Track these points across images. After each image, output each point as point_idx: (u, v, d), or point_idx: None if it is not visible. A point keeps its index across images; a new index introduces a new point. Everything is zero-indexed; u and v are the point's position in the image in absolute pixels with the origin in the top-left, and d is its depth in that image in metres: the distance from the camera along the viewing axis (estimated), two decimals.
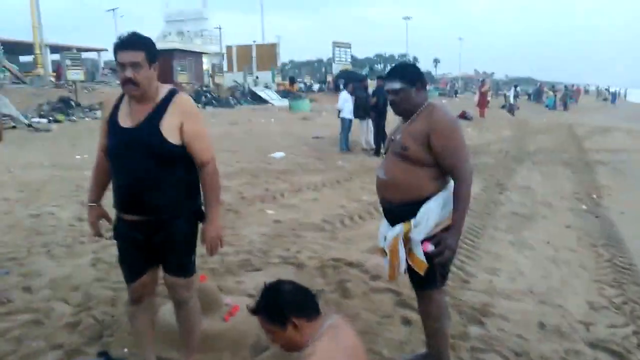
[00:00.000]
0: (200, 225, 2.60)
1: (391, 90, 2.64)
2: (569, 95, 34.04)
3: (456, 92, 48.80)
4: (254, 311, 1.90)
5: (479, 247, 5.13)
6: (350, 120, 12.14)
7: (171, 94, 2.46)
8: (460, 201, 2.46)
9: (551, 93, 35.13)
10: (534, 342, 3.26)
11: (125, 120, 2.44)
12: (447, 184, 2.58)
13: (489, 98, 27.36)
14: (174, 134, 2.39)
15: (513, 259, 4.87)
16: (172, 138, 2.39)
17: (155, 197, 2.44)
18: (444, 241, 2.46)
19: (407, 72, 2.67)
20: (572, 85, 44.16)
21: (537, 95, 39.47)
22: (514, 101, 25.98)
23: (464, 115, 21.55)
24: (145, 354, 2.75)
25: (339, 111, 12.36)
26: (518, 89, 30.14)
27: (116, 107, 2.50)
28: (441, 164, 2.51)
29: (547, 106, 32.40)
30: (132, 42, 2.34)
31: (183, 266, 2.56)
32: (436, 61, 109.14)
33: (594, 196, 7.63)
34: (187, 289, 2.66)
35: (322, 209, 6.82)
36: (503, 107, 30.05)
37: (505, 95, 32.89)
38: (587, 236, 5.63)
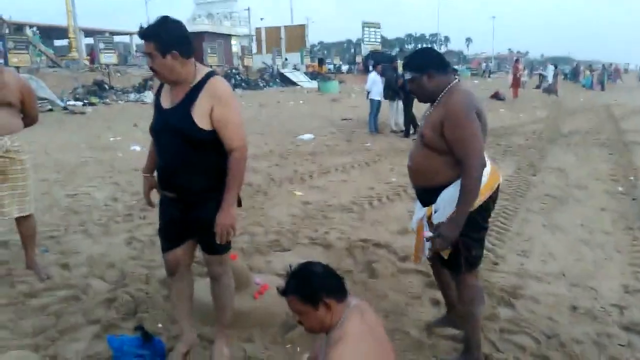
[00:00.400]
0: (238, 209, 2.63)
1: (407, 80, 2.69)
2: (607, 75, 32.82)
3: (490, 72, 47.69)
4: (285, 292, 1.90)
5: (510, 229, 5.06)
6: (379, 102, 12.04)
7: (207, 77, 2.47)
8: (464, 194, 2.39)
9: (588, 72, 33.97)
10: (566, 325, 3.22)
11: (165, 101, 2.51)
12: None
13: (524, 78, 26.60)
14: (204, 118, 2.40)
15: (545, 241, 4.78)
16: (202, 123, 2.40)
17: (186, 179, 2.49)
18: (438, 229, 2.46)
19: (413, 61, 2.66)
20: (611, 65, 42.53)
21: (574, 74, 38.26)
22: (554, 81, 25.07)
23: (497, 96, 21.10)
24: (181, 324, 2.84)
25: (368, 92, 12.26)
26: (557, 68, 29.00)
27: (161, 86, 2.58)
28: (454, 152, 2.47)
29: (584, 86, 31.39)
30: (143, 34, 2.37)
31: (213, 246, 2.61)
32: (468, 40, 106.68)
33: (632, 178, 7.39)
34: (219, 265, 2.72)
35: (350, 191, 6.82)
36: (537, 87, 29.24)
37: (540, 75, 31.96)
38: (623, 218, 5.47)
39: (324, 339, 1.98)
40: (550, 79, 25.43)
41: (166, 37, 2.35)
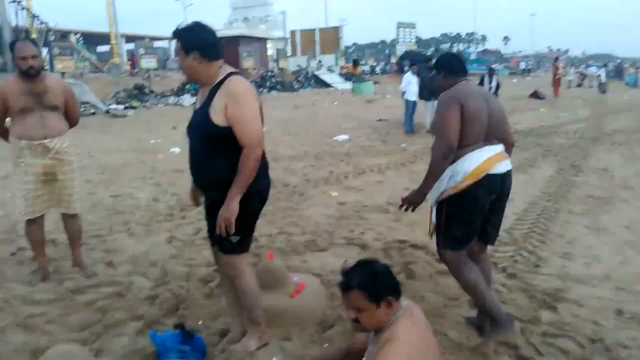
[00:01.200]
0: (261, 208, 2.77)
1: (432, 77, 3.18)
2: None
3: (529, 71, 46.55)
4: (348, 287, 1.86)
5: (552, 231, 4.93)
6: (415, 102, 11.93)
7: (226, 77, 2.57)
8: (427, 171, 2.82)
9: (632, 70, 32.71)
10: (611, 329, 3.11)
11: (198, 103, 2.68)
12: (457, 160, 2.77)
13: (570, 77, 25.88)
14: (219, 115, 2.50)
15: (589, 243, 4.64)
16: (218, 120, 2.50)
17: (207, 176, 2.65)
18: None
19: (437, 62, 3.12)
20: None
21: (617, 72, 36.91)
22: (598, 80, 24.29)
23: (536, 95, 20.59)
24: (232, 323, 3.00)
25: (403, 93, 12.17)
26: (604, 67, 28.16)
27: (197, 90, 2.78)
28: None
29: (627, 84, 30.26)
30: (173, 32, 2.56)
31: (222, 243, 2.66)
32: (506, 39, 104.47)
33: None
34: (228, 267, 2.78)
35: (386, 192, 6.79)
36: (579, 85, 28.44)
37: (581, 74, 31.04)
38: None
39: (370, 335, 1.98)
40: (603, 78, 24.60)
41: (189, 37, 2.53)
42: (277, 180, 7.40)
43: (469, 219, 2.86)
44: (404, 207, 2.97)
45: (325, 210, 5.99)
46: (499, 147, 2.89)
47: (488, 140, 2.85)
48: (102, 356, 2.87)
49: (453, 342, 2.96)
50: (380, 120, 14.54)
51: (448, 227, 2.87)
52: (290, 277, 3.56)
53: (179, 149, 9.74)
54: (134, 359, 2.80)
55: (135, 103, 18.59)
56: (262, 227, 5.28)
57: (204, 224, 5.24)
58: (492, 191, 2.85)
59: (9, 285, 3.64)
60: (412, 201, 2.93)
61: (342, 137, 11.48)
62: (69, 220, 3.88)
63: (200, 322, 3.19)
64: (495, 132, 2.89)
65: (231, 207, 2.50)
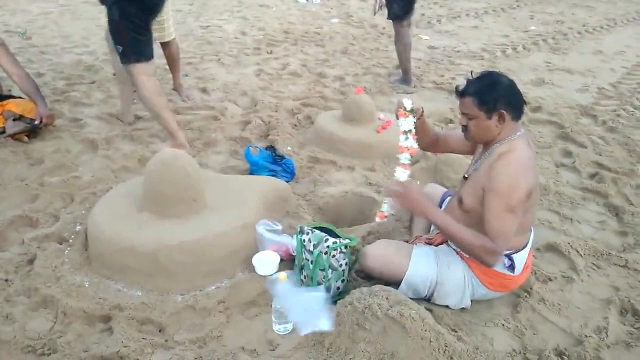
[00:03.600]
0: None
1: None
2: None
3: None
4: (463, 92, 1.83)
5: None
6: None
7: None
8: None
9: None
10: None
11: None
12: None
13: None
14: None
15: None
16: None
17: None
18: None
19: None
20: None
21: None
22: None
23: None
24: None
25: None
26: None
27: None
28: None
29: None
30: None
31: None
32: None
33: None
34: (129, 76, 3.03)
35: (482, 37, 6.35)
36: None
37: None
38: None
39: (477, 149, 1.97)
40: None
41: None
42: (365, 20, 7.08)
43: None
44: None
45: (414, 54, 5.73)
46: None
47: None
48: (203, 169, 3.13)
49: None
50: None
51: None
52: (377, 113, 3.57)
53: None
54: (230, 172, 3.02)
55: None
56: (348, 67, 5.20)
57: (290, 60, 5.28)
58: None
59: (115, 102, 3.92)
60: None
61: None
62: (167, 46, 3.97)
63: (289, 148, 3.35)
64: None
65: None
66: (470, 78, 1.86)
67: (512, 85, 1.82)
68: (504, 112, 1.77)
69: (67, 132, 3.39)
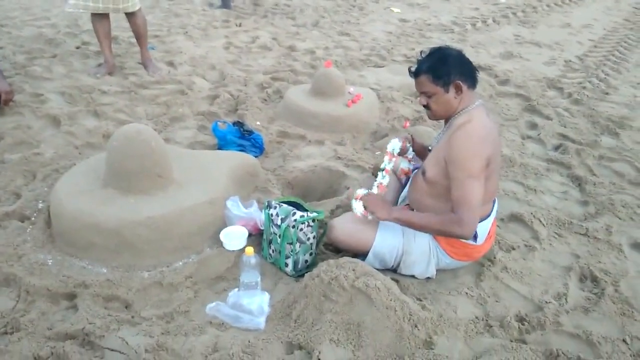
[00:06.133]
0: None
1: None
2: None
3: None
4: (417, 72, 1.86)
5: (630, 60, 4.59)
6: None
7: None
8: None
9: None
10: None
11: None
12: None
13: None
14: None
15: None
16: None
17: None
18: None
19: None
20: None
21: None
22: None
23: None
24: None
25: None
26: None
27: None
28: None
29: None
30: None
31: None
32: None
33: None
34: None
35: (453, 10, 6.34)
36: None
37: None
38: None
39: (439, 134, 1.99)
40: None
41: None
42: None
43: None
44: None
45: (386, 27, 5.72)
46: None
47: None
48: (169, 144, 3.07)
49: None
50: None
51: None
52: (347, 87, 3.56)
53: None
54: (197, 148, 2.97)
55: None
56: (319, 40, 5.14)
57: (260, 33, 5.19)
58: None
59: (78, 76, 3.80)
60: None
61: None
62: (133, 17, 3.84)
63: (258, 123, 3.31)
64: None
65: None
66: (420, 58, 1.87)
67: (461, 55, 1.85)
68: (459, 82, 1.80)
69: (27, 107, 3.27)
